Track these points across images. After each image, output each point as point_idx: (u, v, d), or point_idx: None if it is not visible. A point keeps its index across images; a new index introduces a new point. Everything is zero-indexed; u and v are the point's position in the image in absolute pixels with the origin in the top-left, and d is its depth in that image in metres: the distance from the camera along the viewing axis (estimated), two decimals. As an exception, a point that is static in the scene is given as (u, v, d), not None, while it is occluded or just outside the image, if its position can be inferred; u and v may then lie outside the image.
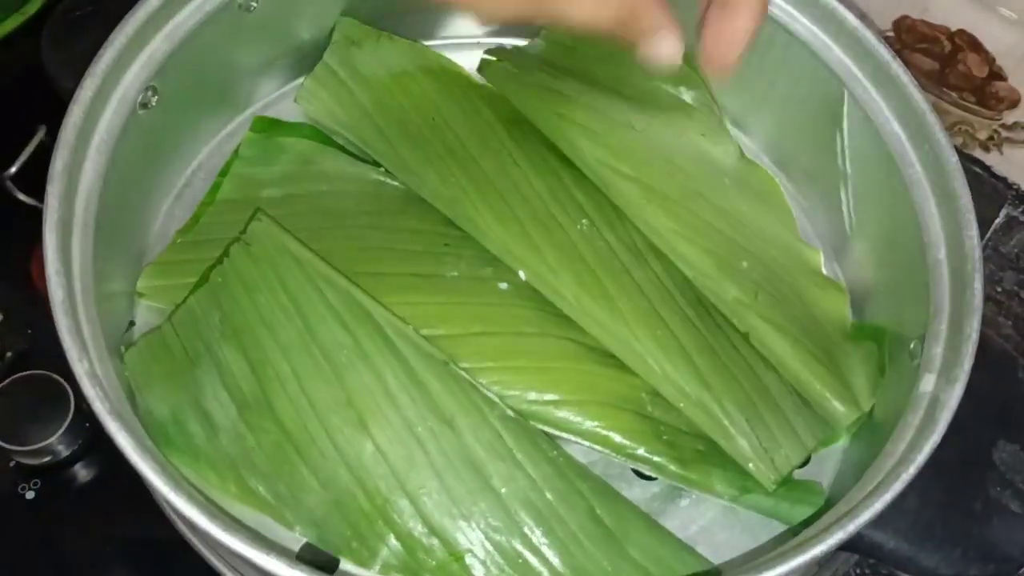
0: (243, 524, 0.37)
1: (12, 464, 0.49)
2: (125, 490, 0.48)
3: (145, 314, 0.44)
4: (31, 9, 0.58)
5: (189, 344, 0.40)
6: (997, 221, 0.65)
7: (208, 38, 0.43)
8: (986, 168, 0.66)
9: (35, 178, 0.48)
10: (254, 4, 0.45)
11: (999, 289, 0.63)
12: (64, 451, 0.48)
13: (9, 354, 0.52)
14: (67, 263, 0.35)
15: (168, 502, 0.31)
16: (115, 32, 0.39)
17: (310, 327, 0.40)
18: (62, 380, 0.48)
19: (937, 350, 0.39)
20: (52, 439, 0.47)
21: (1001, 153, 0.65)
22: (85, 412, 0.48)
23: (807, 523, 0.40)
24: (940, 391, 0.37)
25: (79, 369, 0.32)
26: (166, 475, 0.31)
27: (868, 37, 0.44)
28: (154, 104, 0.42)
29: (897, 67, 0.43)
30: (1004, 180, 0.66)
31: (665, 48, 0.31)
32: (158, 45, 0.41)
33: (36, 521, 0.48)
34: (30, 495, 0.49)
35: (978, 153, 0.66)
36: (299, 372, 0.40)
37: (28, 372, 0.48)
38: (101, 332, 0.36)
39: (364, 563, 0.38)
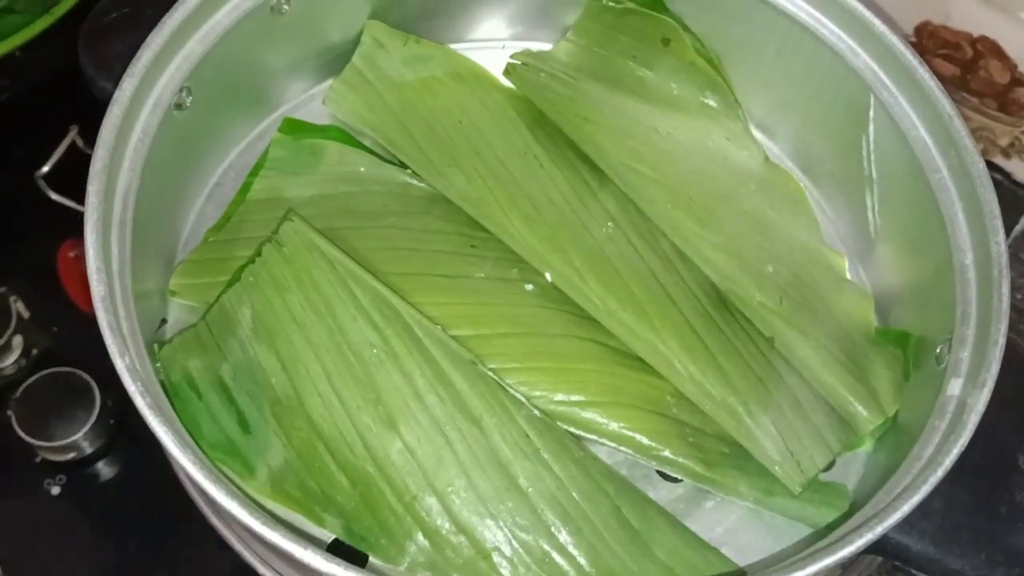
0: (279, 517, 0.38)
1: (38, 460, 0.49)
2: (148, 486, 0.49)
3: (177, 312, 0.44)
4: (60, 10, 0.59)
5: (222, 342, 0.41)
6: (1017, 228, 0.65)
7: (241, 40, 0.44)
8: (1007, 175, 0.66)
9: (66, 178, 0.49)
10: (286, 7, 0.45)
11: (1019, 296, 0.63)
12: (88, 448, 0.49)
13: (35, 351, 0.52)
14: (107, 261, 0.36)
15: (207, 495, 0.31)
16: (153, 33, 0.40)
17: (341, 326, 0.41)
18: (88, 377, 0.48)
19: (964, 354, 0.39)
20: (77, 435, 0.48)
21: (1022, 160, 0.65)
22: (110, 409, 0.48)
23: (832, 527, 0.40)
24: (967, 395, 0.37)
25: (120, 364, 0.33)
26: (206, 469, 0.31)
27: (895, 42, 0.44)
28: (188, 105, 0.42)
29: (924, 72, 0.43)
30: (1024, 187, 0.66)
31: None
32: (193, 47, 0.42)
33: (61, 516, 0.49)
34: (55, 491, 0.49)
35: (999, 160, 0.66)
36: (329, 371, 0.40)
37: (54, 369, 0.49)
38: (138, 329, 0.36)
39: (392, 560, 0.38)
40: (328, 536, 0.39)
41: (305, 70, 0.50)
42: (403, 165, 0.48)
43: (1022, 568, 0.37)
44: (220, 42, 0.43)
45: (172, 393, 0.40)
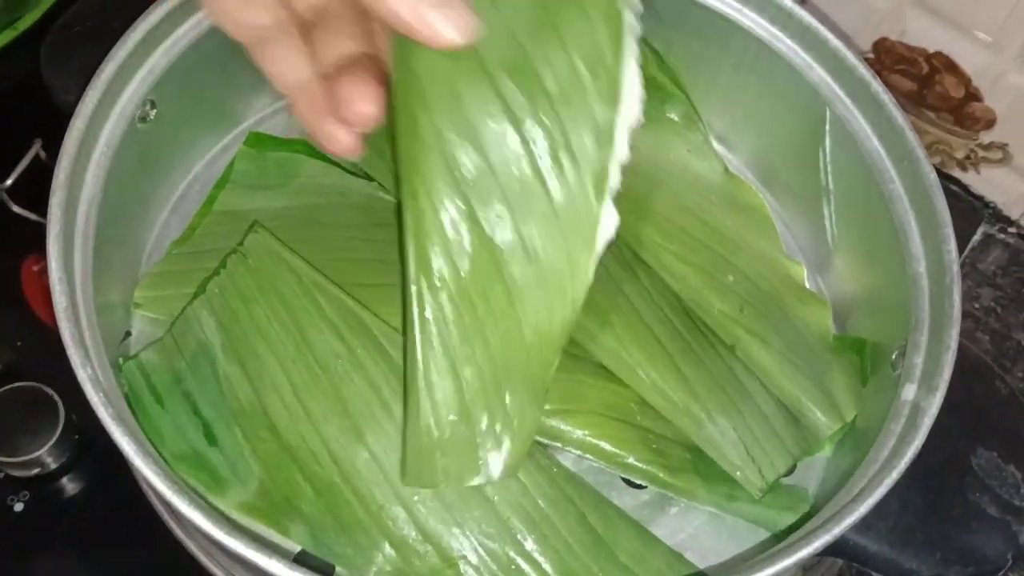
0: (244, 527, 0.38)
1: (1, 476, 0.49)
2: (113, 502, 0.49)
3: (141, 324, 0.44)
4: (24, 24, 0.58)
5: (187, 354, 0.41)
6: (974, 239, 0.67)
7: (205, 53, 0.44)
8: (963, 187, 0.68)
9: (29, 191, 0.49)
10: (251, 20, 0.45)
11: (976, 306, 0.64)
12: (53, 463, 0.49)
13: (-2, 366, 0.52)
14: (70, 272, 0.36)
15: (171, 507, 0.31)
16: (116, 47, 0.40)
17: (306, 337, 0.41)
18: (52, 392, 0.48)
19: (917, 360, 0.40)
20: (41, 451, 0.47)
21: (978, 172, 0.67)
22: (75, 424, 0.48)
23: (792, 529, 0.41)
24: (921, 399, 0.38)
25: (83, 375, 0.33)
26: (169, 480, 0.31)
27: (849, 57, 0.45)
28: (152, 118, 0.42)
29: (877, 86, 0.44)
30: (981, 199, 0.68)
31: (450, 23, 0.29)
32: (157, 60, 0.42)
33: (25, 533, 0.48)
34: (19, 507, 0.49)
35: (956, 172, 0.68)
36: (295, 382, 0.40)
37: (17, 384, 0.48)
38: (102, 341, 0.36)
39: (359, 569, 0.39)
40: (295, 547, 0.39)
41: (271, 84, 0.50)
42: (368, 177, 0.49)
43: (976, 567, 0.38)
44: (184, 55, 0.43)
45: (136, 405, 0.40)
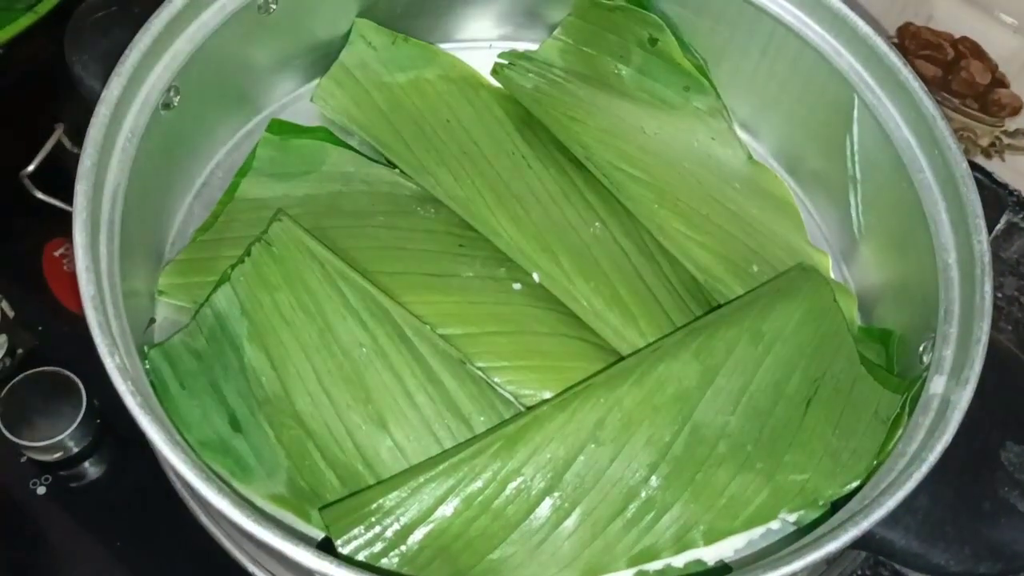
0: (267, 513, 0.38)
1: (24, 460, 0.49)
2: (134, 485, 0.49)
3: (165, 311, 0.44)
4: (44, 8, 0.58)
5: (212, 342, 0.41)
6: (998, 227, 0.66)
7: (229, 39, 0.44)
8: (987, 174, 0.67)
9: (51, 176, 0.49)
10: (273, 5, 0.45)
11: (1000, 295, 0.63)
12: (75, 447, 0.49)
13: (20, 351, 0.52)
14: (96, 260, 0.36)
15: (196, 494, 0.31)
16: (141, 32, 0.40)
17: (330, 326, 0.41)
18: (74, 376, 0.48)
19: (947, 352, 0.39)
20: (64, 435, 0.47)
21: (1003, 160, 0.66)
22: (96, 408, 0.48)
23: (817, 523, 0.41)
24: (950, 392, 0.38)
25: (110, 364, 0.33)
26: (196, 467, 0.31)
27: (879, 44, 0.44)
28: (176, 104, 0.42)
29: (908, 74, 0.43)
30: (1005, 187, 0.67)
31: None
32: (181, 46, 0.42)
33: (47, 516, 0.48)
34: (41, 490, 0.49)
35: (980, 160, 0.67)
36: (319, 370, 0.40)
37: (40, 368, 0.48)
38: (128, 328, 0.36)
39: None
40: (318, 534, 0.39)
41: (293, 69, 0.50)
42: (391, 164, 0.48)
43: (1005, 563, 0.37)
44: (208, 41, 0.43)
45: (161, 392, 0.40)
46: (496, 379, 0.42)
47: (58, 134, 0.49)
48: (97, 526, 0.48)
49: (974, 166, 0.67)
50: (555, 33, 0.53)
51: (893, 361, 0.45)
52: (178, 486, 0.43)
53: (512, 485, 0.38)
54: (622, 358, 0.43)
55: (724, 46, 0.50)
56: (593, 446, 0.38)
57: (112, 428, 0.49)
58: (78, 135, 0.38)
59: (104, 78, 0.39)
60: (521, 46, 0.54)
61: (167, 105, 0.42)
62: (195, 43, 0.42)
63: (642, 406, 0.39)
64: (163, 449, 0.31)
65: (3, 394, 0.47)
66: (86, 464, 0.50)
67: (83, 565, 0.48)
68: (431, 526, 0.37)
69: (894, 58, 0.44)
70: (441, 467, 0.37)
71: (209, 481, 0.31)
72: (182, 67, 0.42)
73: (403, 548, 0.36)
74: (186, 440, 0.36)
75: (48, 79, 0.49)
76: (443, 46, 0.52)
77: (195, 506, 0.43)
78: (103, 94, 0.38)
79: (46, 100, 0.53)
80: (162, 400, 0.38)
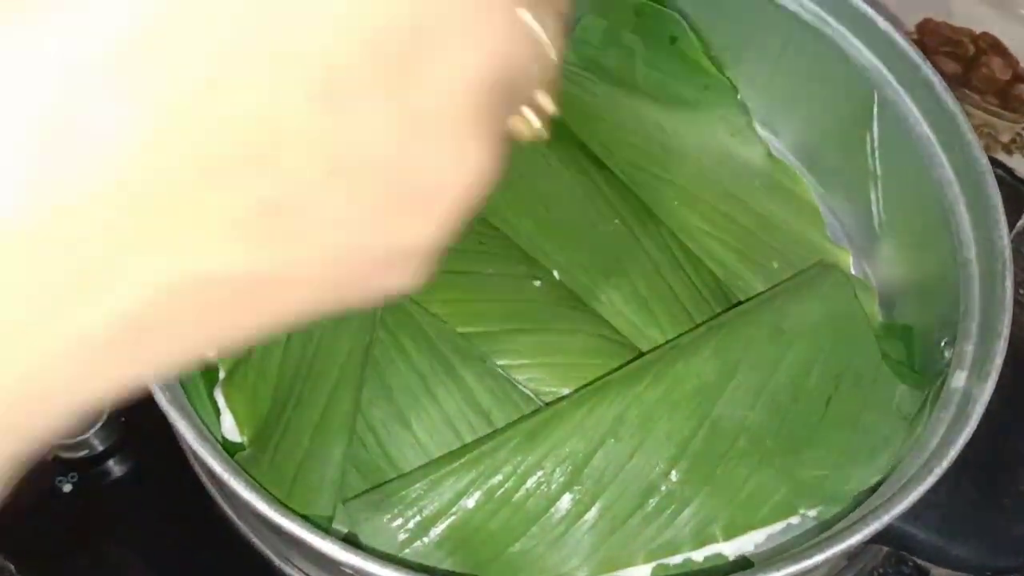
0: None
1: (50, 457, 0.49)
2: (160, 482, 0.49)
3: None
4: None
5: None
6: (1019, 224, 0.65)
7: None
8: (1008, 171, 0.66)
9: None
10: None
11: (1021, 291, 0.63)
12: (100, 445, 0.49)
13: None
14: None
15: (225, 489, 0.31)
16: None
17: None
18: (100, 374, 0.48)
19: (968, 347, 0.39)
20: (89, 433, 0.48)
21: (1024, 156, 0.66)
22: (121, 406, 0.49)
23: (838, 517, 0.41)
24: (971, 387, 0.38)
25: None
26: (226, 462, 0.32)
27: (899, 40, 0.44)
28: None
29: (928, 70, 0.43)
30: (1027, 183, 0.66)
31: None
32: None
33: (73, 513, 0.49)
34: (67, 488, 0.49)
35: (1001, 156, 0.66)
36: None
37: (67, 367, 0.49)
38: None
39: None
40: (342, 529, 0.40)
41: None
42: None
43: (1025, 557, 0.37)
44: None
45: (191, 389, 0.40)
46: (517, 376, 0.42)
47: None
48: (123, 523, 0.49)
49: (994, 162, 0.66)
50: (575, 31, 0.53)
51: (914, 356, 0.45)
52: (206, 481, 0.44)
53: (532, 479, 0.38)
54: (642, 354, 0.43)
55: (743, 44, 0.51)
56: (612, 441, 0.39)
57: (137, 426, 0.50)
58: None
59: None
60: (540, 44, 0.54)
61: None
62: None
63: (661, 402, 0.39)
64: (193, 444, 0.32)
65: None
66: (111, 462, 0.50)
67: (108, 563, 0.48)
68: (453, 518, 0.37)
69: (914, 54, 0.44)
70: (462, 460, 0.38)
71: (239, 476, 0.32)
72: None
73: (425, 539, 0.37)
74: (214, 435, 0.36)
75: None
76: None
77: (222, 501, 0.43)
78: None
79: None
80: (190, 396, 0.39)
